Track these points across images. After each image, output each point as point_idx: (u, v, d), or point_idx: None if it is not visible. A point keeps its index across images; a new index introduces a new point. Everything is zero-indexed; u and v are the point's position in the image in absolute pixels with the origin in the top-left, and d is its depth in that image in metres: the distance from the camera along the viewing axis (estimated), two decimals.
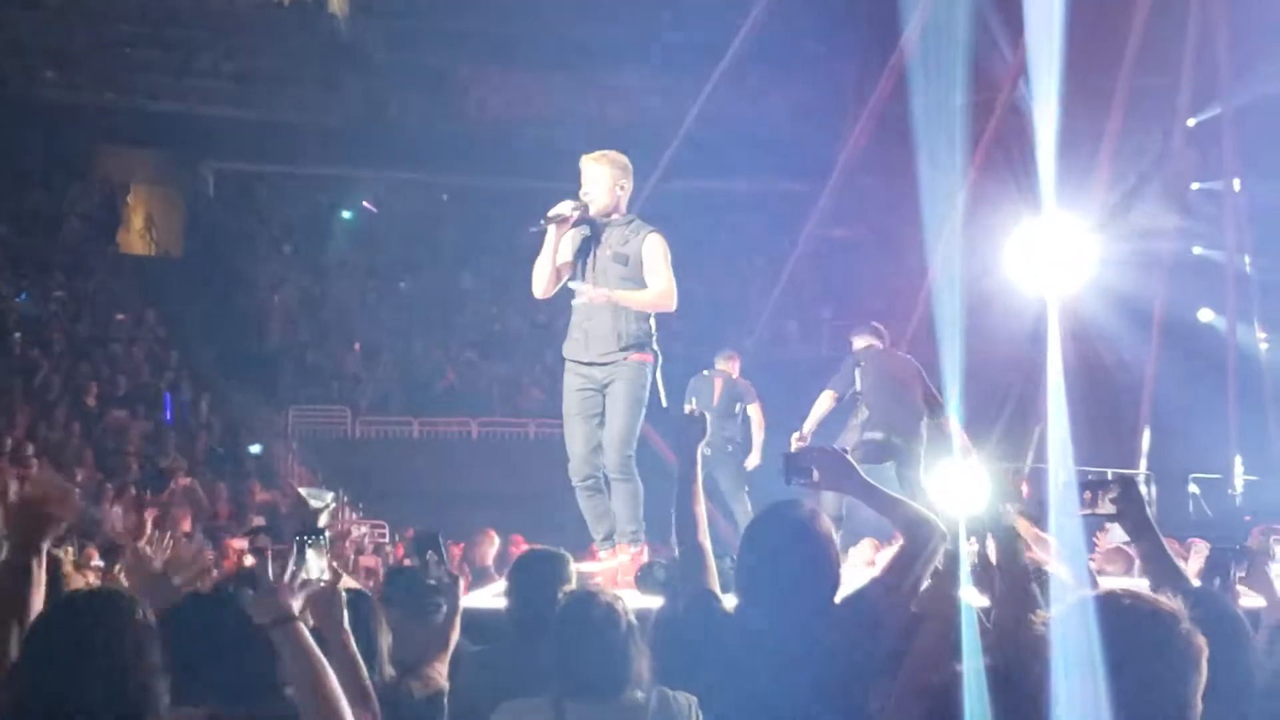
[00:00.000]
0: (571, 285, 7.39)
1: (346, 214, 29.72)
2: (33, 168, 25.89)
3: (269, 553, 4.28)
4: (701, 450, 4.25)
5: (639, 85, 28.10)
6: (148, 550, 4.48)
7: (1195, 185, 21.01)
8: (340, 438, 24.09)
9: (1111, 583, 5.42)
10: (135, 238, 28.67)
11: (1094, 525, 4.50)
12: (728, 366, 12.35)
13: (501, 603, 5.14)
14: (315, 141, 27.44)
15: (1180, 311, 20.02)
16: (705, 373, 12.14)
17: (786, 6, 18.82)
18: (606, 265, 7.31)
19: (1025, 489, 16.04)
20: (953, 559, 3.83)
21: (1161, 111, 19.66)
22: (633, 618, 4.01)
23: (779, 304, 19.58)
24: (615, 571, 6.99)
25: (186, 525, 14.03)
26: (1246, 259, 20.12)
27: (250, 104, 27.50)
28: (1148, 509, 4.33)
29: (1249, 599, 4.88)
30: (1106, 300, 19.53)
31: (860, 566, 10.12)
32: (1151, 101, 19.37)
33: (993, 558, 3.92)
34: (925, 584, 3.86)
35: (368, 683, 3.91)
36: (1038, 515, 4.54)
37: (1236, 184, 19.88)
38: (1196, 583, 4.48)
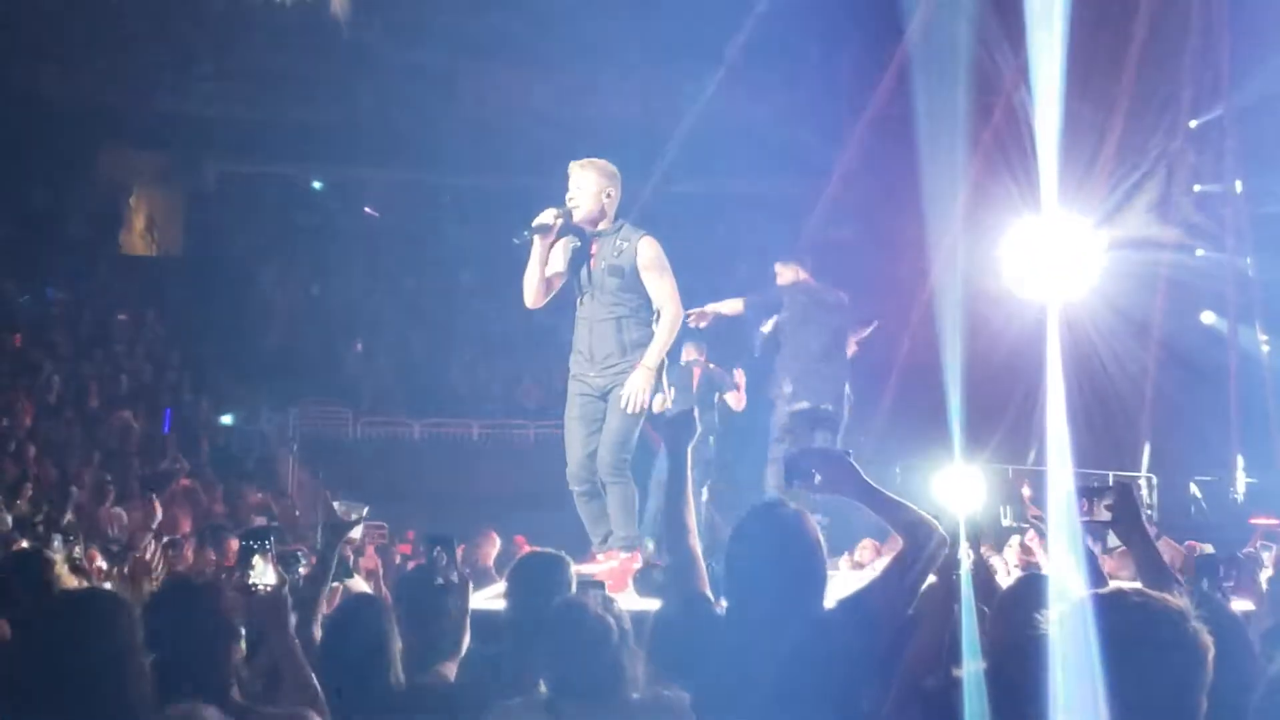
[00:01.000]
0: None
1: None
2: (34, 167, 25.89)
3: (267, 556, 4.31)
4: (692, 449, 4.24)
5: (640, 86, 28.09)
6: (146, 559, 4.52)
7: (1197, 188, 20.99)
8: (341, 438, 24.09)
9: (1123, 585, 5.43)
10: (137, 238, 28.69)
11: (1099, 530, 4.50)
12: (700, 355, 12.26)
13: (500, 604, 5.14)
14: (317, 141, 27.43)
15: (1182, 314, 20.00)
16: (682, 363, 12.06)
17: (786, 7, 18.81)
18: (602, 279, 7.29)
19: (1027, 491, 16.05)
20: (951, 562, 3.83)
21: (1163, 114, 19.64)
22: (626, 623, 4.00)
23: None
24: (608, 576, 6.99)
25: (186, 526, 14.01)
26: (1248, 261, 20.10)
27: (252, 104, 27.49)
28: (1143, 516, 4.32)
29: (1237, 603, 4.89)
30: (1107, 302, 19.52)
31: (860, 567, 10.13)
32: (1153, 104, 19.35)
33: (992, 561, 3.93)
34: (924, 587, 3.85)
35: (315, 687, 3.92)
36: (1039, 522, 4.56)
37: (1239, 186, 19.86)
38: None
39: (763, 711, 3.58)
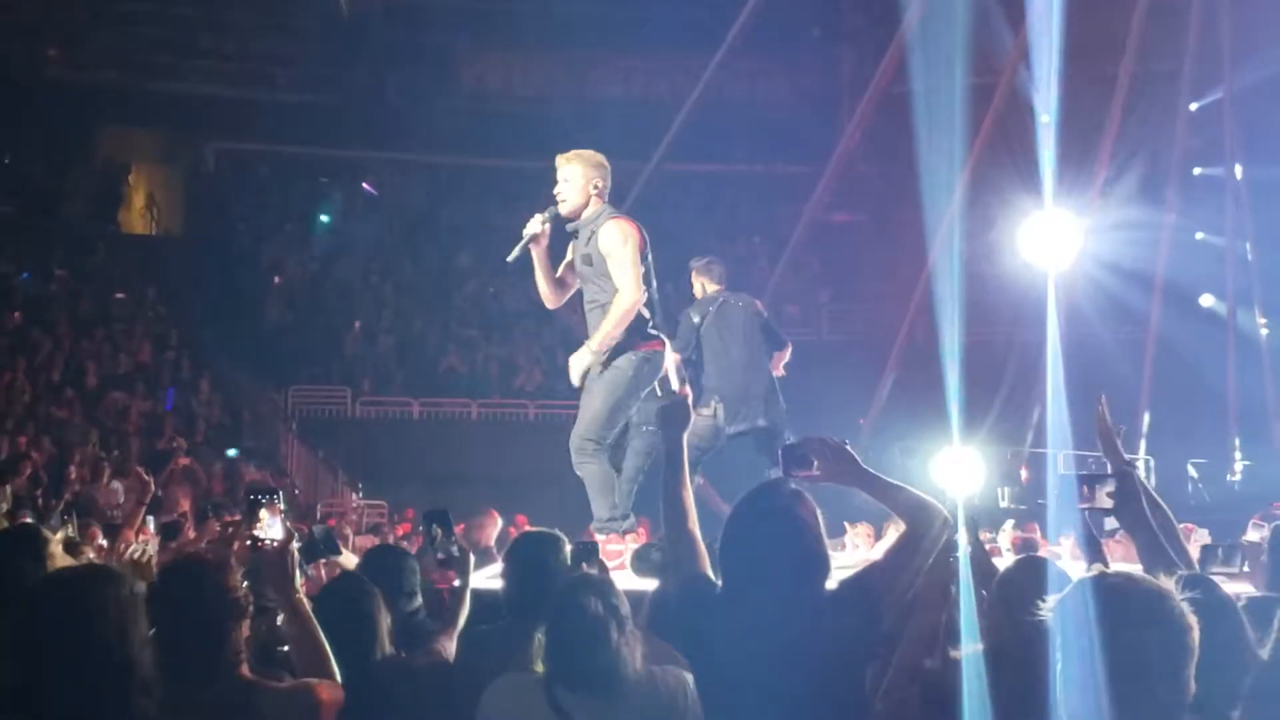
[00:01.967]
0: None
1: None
2: (34, 147, 25.89)
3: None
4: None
5: (639, 66, 28.07)
6: (131, 538, 4.52)
7: (1197, 170, 21.02)
8: (340, 418, 24.10)
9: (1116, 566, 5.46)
10: (136, 217, 28.67)
11: (1099, 517, 4.53)
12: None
13: (498, 584, 5.16)
14: (316, 121, 27.42)
15: (1181, 296, 20.04)
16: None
17: None
18: (582, 270, 7.27)
19: (1025, 473, 16.10)
20: (949, 544, 3.84)
21: (1164, 96, 19.65)
22: (625, 609, 4.00)
23: (778, 287, 19.55)
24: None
25: (185, 505, 14.04)
26: (1248, 245, 20.13)
27: (251, 83, 27.48)
28: (1143, 501, 4.34)
29: (1239, 587, 4.91)
30: (1107, 284, 19.54)
31: (859, 550, 10.14)
32: (1154, 86, 19.37)
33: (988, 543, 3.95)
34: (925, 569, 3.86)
35: (324, 645, 3.93)
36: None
37: (1238, 170, 19.88)
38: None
39: (765, 692, 3.60)
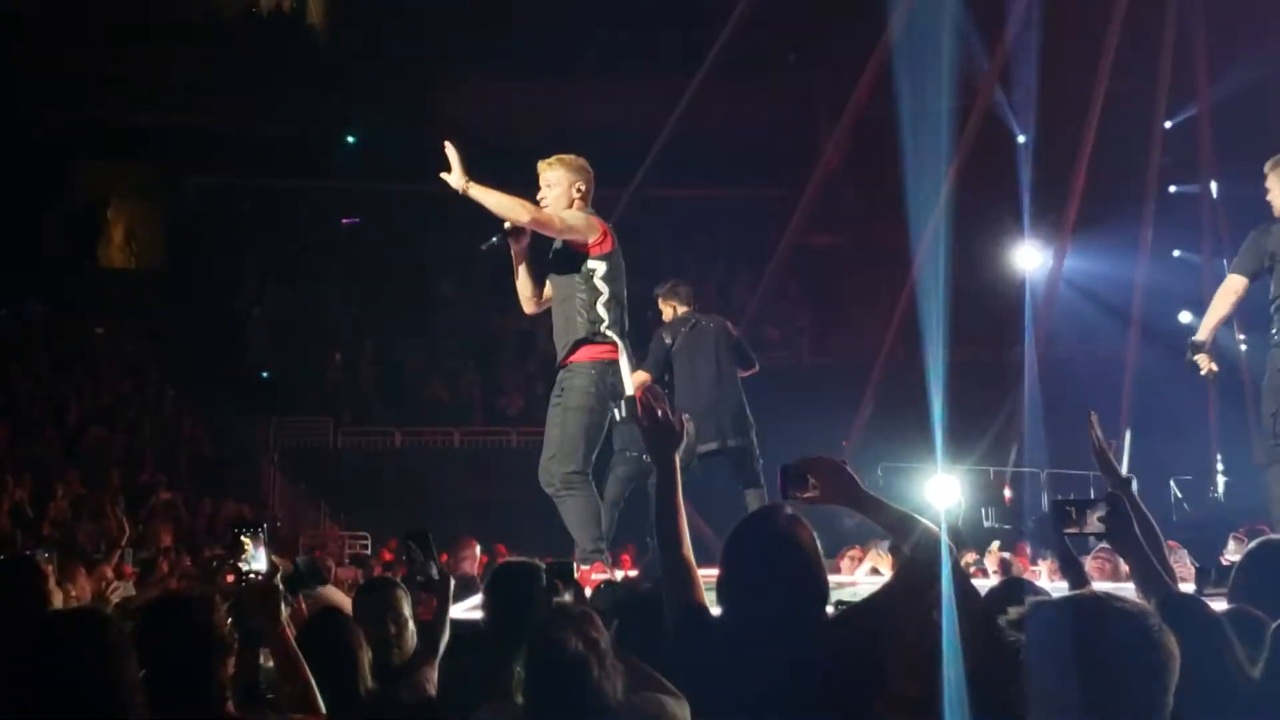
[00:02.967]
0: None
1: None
2: (11, 181, 25.82)
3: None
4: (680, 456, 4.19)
5: (616, 93, 28.11)
6: (108, 574, 4.49)
7: (1173, 189, 21.11)
8: (322, 448, 24.01)
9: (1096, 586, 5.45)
10: (116, 251, 28.62)
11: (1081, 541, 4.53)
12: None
13: (479, 614, 5.13)
14: (295, 153, 27.39)
15: (1160, 314, 20.08)
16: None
17: (764, 15, 18.83)
18: (549, 265, 7.26)
19: (1008, 493, 16.11)
20: (935, 567, 3.81)
21: (1139, 115, 19.72)
22: (605, 642, 3.94)
23: (759, 311, 19.57)
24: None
25: (167, 540, 13.99)
26: (1225, 261, 20.18)
27: (230, 116, 27.44)
28: (1135, 525, 4.33)
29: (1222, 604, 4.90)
30: (1086, 303, 19.59)
31: (858, 573, 10.11)
32: (1128, 104, 19.44)
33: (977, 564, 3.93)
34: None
35: (309, 679, 3.89)
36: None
37: (1214, 187, 19.96)
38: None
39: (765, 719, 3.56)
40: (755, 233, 25.25)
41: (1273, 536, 5.19)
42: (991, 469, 16.14)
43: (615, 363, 7.16)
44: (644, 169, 17.59)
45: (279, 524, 19.81)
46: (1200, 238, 20.09)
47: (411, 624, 5.20)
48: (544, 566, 5.09)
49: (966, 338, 18.55)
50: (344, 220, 29.38)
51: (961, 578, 4.39)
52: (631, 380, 7.46)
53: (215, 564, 4.88)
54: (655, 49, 25.76)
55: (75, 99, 26.43)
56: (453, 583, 5.34)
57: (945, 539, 3.83)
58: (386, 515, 20.80)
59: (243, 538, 4.15)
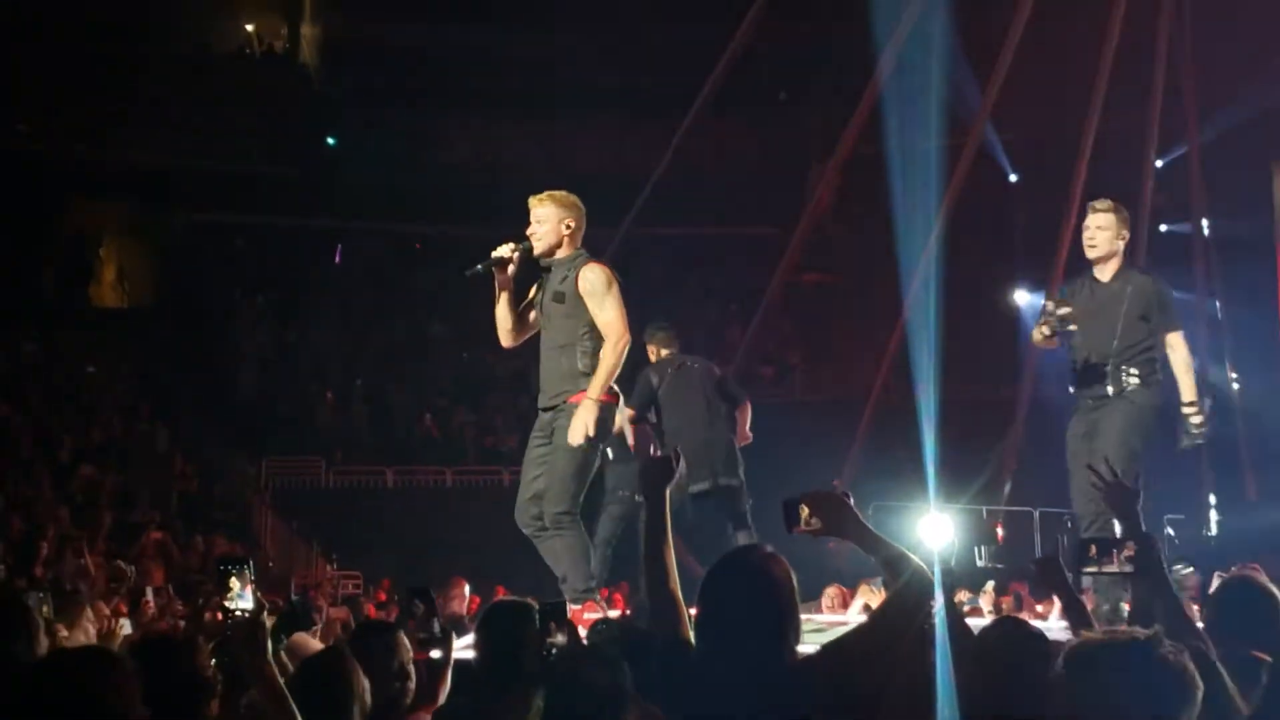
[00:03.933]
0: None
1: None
2: (3, 220, 25.80)
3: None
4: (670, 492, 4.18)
5: (608, 132, 28.20)
6: (105, 611, 4.46)
7: (1164, 228, 21.14)
8: (314, 488, 23.96)
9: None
10: (107, 289, 28.59)
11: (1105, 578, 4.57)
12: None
13: (469, 654, 5.10)
14: (287, 191, 27.42)
15: None
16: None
17: (755, 54, 18.91)
18: (550, 307, 7.16)
19: (1000, 531, 16.06)
20: (919, 608, 3.79)
21: (1130, 153, 19.78)
22: (628, 683, 3.91)
23: (751, 349, 19.57)
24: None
25: (159, 579, 13.93)
26: (1217, 301, 20.20)
27: (222, 155, 27.47)
28: (1166, 569, 4.36)
29: None
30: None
31: (850, 611, 10.08)
32: (1119, 143, 19.49)
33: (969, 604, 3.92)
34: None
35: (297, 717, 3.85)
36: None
37: (1205, 226, 19.99)
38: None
39: None
40: (747, 271, 25.30)
41: (1241, 574, 5.25)
42: (984, 508, 16.10)
43: (612, 405, 7.15)
44: (635, 208, 17.61)
45: (270, 563, 19.75)
46: (1192, 277, 20.11)
47: (411, 670, 5.16)
48: (537, 607, 5.05)
49: (959, 376, 18.54)
50: (336, 260, 29.41)
51: (955, 617, 4.38)
52: (618, 416, 7.47)
53: (201, 602, 4.81)
54: (646, 89, 25.85)
55: (67, 138, 26.46)
56: (453, 636, 5.30)
57: (939, 578, 3.82)
58: (378, 555, 20.75)
59: (230, 575, 4.11)
